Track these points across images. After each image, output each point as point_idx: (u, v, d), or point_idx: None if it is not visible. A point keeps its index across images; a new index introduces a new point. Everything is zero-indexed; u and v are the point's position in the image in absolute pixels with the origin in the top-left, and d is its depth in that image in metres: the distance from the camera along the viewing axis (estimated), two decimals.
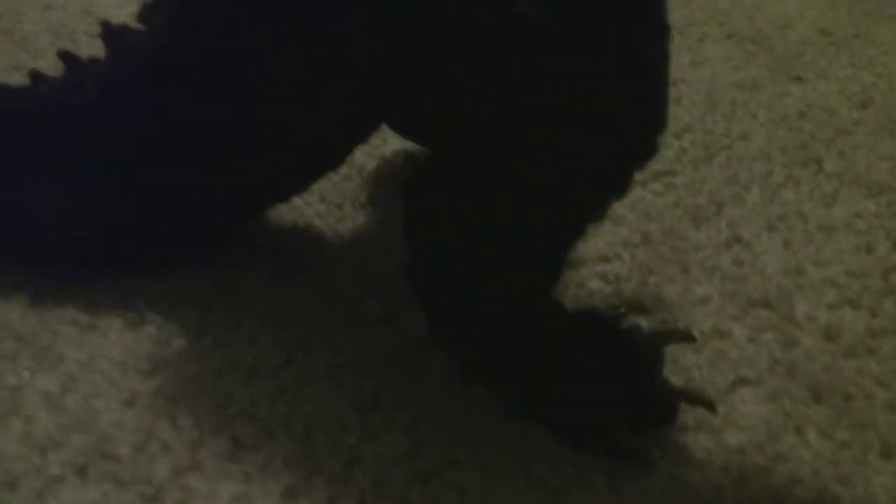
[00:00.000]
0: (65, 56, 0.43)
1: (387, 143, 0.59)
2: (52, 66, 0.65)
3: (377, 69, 0.39)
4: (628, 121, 0.37)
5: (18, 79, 0.63)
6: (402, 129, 0.46)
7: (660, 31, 0.38)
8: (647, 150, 0.39)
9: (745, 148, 0.64)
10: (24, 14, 0.71)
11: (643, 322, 0.47)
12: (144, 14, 0.41)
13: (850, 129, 0.67)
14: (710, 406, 0.41)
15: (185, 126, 0.42)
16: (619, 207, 0.53)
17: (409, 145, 0.57)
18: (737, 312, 0.50)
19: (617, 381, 0.42)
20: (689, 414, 0.43)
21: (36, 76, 0.43)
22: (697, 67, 0.74)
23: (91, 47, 0.68)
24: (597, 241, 0.53)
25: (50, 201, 0.44)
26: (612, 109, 0.36)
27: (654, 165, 0.61)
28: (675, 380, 0.45)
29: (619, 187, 0.40)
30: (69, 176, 0.43)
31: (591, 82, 0.35)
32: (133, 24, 0.44)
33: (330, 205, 0.55)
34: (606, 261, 0.53)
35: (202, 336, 0.45)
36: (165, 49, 0.40)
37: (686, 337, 0.45)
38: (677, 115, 0.68)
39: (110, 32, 0.42)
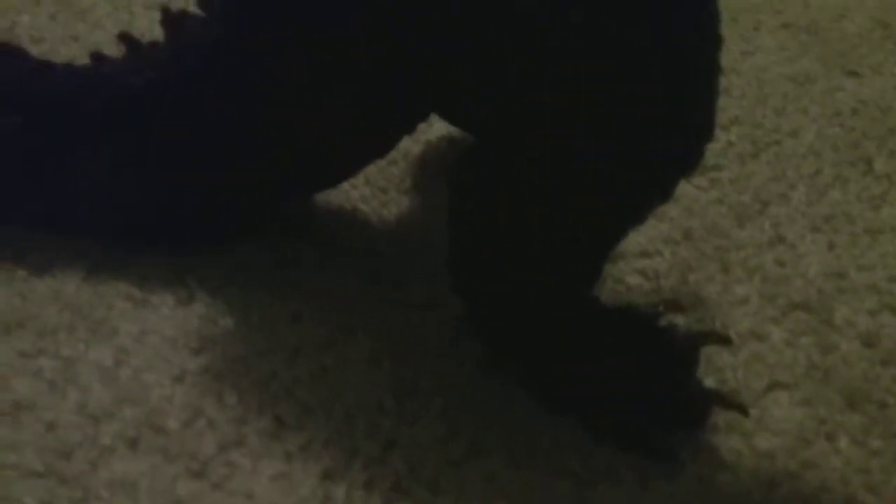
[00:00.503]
0: (125, 38, 0.44)
1: (432, 127, 0.59)
2: (108, 37, 0.67)
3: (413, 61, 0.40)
4: (675, 129, 0.37)
5: (76, 49, 0.65)
6: (450, 118, 0.47)
7: (711, 42, 0.38)
8: (692, 158, 0.39)
9: (794, 144, 0.64)
10: None
11: (680, 321, 0.48)
12: (203, 1, 0.43)
13: None
14: (742, 410, 0.42)
15: (238, 110, 0.43)
16: None
17: (455, 131, 0.58)
18: (776, 314, 0.50)
19: (651, 380, 0.42)
20: (721, 416, 0.43)
21: (96, 57, 0.45)
22: (749, 57, 0.73)
23: (146, 18, 0.70)
24: (637, 236, 0.53)
25: (108, 179, 0.45)
26: (658, 117, 0.36)
27: None
28: (710, 381, 0.45)
29: (663, 193, 0.40)
30: (126, 155, 0.45)
31: (632, 88, 0.36)
32: (191, 9, 0.45)
33: (375, 189, 0.56)
34: (647, 256, 0.53)
35: (248, 315, 0.47)
36: (221, 37, 0.41)
37: (722, 339, 0.45)
38: (726, 106, 0.67)
39: (169, 18, 0.43)
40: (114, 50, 0.65)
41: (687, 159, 0.39)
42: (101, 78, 0.43)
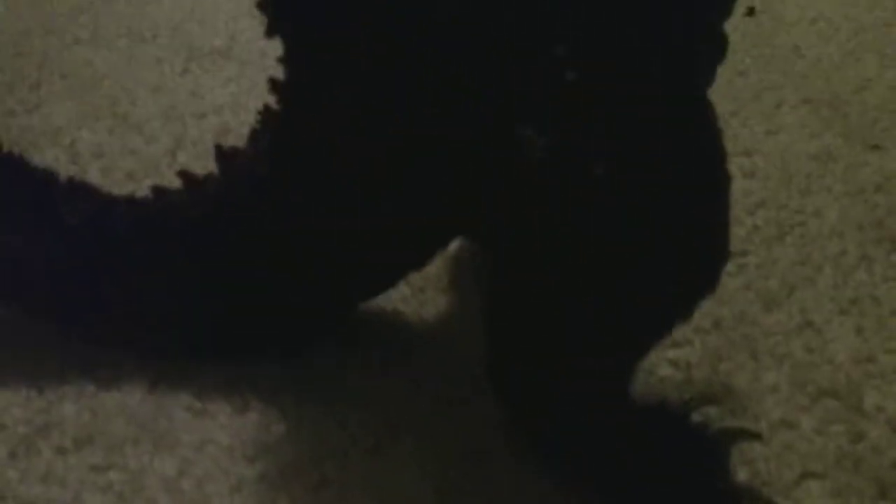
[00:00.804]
0: (183, 175, 0.48)
1: None
2: (163, 150, 0.72)
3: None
4: (687, 259, 0.40)
5: (133, 163, 0.70)
6: (479, 240, 0.50)
7: (721, 181, 0.40)
8: (708, 282, 0.42)
9: (819, 225, 0.65)
10: (137, 97, 0.78)
11: (712, 412, 0.49)
12: (251, 138, 0.47)
13: None
14: None
15: (284, 237, 0.47)
16: None
17: None
18: (805, 402, 0.52)
19: (683, 478, 0.44)
20: None
21: (157, 191, 0.49)
22: (773, 136, 0.76)
23: (197, 128, 0.75)
24: None
25: (169, 300, 0.49)
26: (669, 250, 0.39)
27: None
28: (742, 472, 0.47)
29: (684, 313, 0.42)
30: (185, 279, 0.49)
31: (643, 224, 0.38)
32: (242, 146, 0.49)
33: (414, 289, 0.59)
34: (677, 346, 0.55)
35: (299, 422, 0.50)
36: (269, 173, 0.45)
37: (753, 435, 0.47)
38: (751, 189, 0.69)
39: (222, 154, 0.47)
40: (168, 158, 0.70)
41: (703, 283, 0.42)
42: (161, 211, 0.47)
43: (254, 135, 0.46)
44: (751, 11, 0.94)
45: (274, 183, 0.45)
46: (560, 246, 0.39)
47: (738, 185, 0.70)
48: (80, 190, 0.48)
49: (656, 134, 0.37)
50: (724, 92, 0.84)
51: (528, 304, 0.42)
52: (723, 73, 0.90)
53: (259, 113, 0.46)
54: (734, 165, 0.71)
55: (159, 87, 0.79)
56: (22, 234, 0.48)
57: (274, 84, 0.45)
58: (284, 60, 0.43)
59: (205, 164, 0.69)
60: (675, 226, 0.38)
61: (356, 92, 0.41)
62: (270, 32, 0.42)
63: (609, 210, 0.37)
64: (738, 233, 0.65)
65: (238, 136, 0.72)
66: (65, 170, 0.68)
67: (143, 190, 0.66)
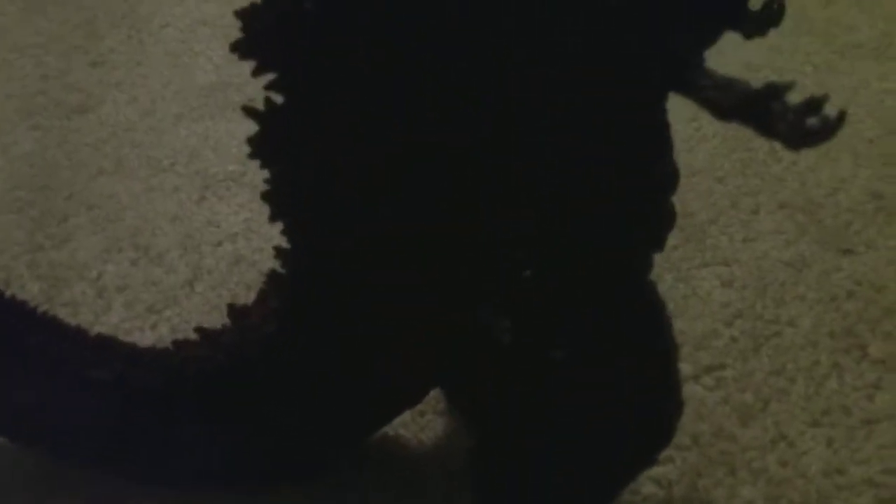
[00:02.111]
0: (199, 330, 0.54)
1: None
2: (181, 280, 0.77)
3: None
4: (645, 420, 0.44)
5: (155, 294, 0.76)
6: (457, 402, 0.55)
7: (669, 351, 0.45)
8: (666, 436, 0.46)
9: (793, 335, 0.70)
10: (157, 227, 0.84)
11: None
12: (259, 299, 0.52)
13: None
14: None
15: (295, 384, 0.52)
16: None
17: None
18: None
19: None
20: None
21: (177, 344, 0.54)
22: (749, 244, 0.80)
23: (212, 257, 0.80)
24: None
25: (191, 440, 0.54)
26: (628, 415, 0.44)
27: (706, 359, 0.68)
28: None
29: (646, 464, 0.47)
30: (204, 422, 0.54)
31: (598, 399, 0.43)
32: (254, 306, 0.54)
33: (413, 413, 0.63)
34: (659, 464, 0.59)
35: None
36: (275, 330, 0.51)
37: None
38: (729, 300, 0.74)
39: (234, 312, 0.53)
40: (186, 289, 0.76)
41: (660, 436, 0.46)
42: (180, 363, 0.53)
43: (262, 296, 0.52)
44: None
45: (281, 339, 0.50)
46: (529, 413, 0.43)
47: (716, 296, 0.75)
48: (107, 345, 0.54)
49: (609, 315, 0.42)
50: (704, 200, 0.90)
51: (504, 460, 0.47)
52: (702, 180, 0.95)
53: (266, 275, 0.51)
54: (714, 275, 0.77)
55: (177, 216, 0.85)
56: (51, 387, 0.53)
57: (278, 252, 0.50)
58: (287, 234, 0.49)
59: (219, 294, 0.76)
60: (631, 395, 0.43)
61: (358, 260, 0.46)
62: (273, 219, 0.48)
63: (569, 385, 0.42)
64: (716, 345, 0.69)
65: (250, 264, 0.79)
66: (91, 304, 0.75)
67: (163, 321, 0.73)
